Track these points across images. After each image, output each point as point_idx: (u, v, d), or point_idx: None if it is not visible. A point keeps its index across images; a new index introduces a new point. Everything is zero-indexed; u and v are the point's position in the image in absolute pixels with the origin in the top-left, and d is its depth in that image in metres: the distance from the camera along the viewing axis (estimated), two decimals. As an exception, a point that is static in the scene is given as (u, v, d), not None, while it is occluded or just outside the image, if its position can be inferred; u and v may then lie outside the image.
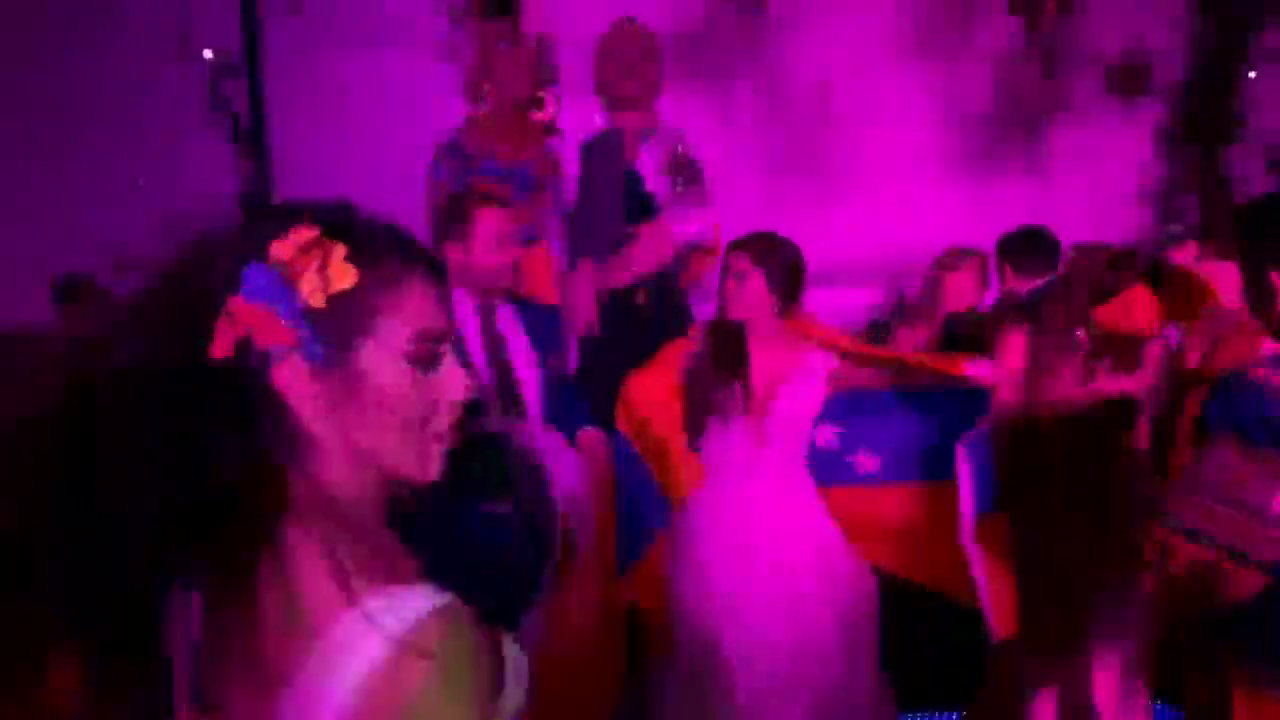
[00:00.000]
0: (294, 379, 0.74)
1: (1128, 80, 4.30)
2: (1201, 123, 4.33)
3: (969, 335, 2.95)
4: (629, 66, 3.36)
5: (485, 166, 3.25)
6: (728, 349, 2.42)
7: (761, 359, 2.42)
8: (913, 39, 4.27)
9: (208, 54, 4.21)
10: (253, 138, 4.26)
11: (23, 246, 4.11)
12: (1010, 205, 3.60)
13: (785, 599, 2.29)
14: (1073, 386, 2.13)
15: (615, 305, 3.17)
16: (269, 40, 4.25)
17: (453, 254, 2.41)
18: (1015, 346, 2.37)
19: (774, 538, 2.34)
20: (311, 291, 0.75)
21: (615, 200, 3.32)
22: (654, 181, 3.31)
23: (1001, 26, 4.28)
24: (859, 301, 4.12)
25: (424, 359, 0.78)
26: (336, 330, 0.75)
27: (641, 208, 3.30)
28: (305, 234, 0.75)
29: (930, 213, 3.94)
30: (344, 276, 0.75)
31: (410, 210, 3.41)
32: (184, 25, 4.11)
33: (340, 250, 0.76)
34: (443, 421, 0.80)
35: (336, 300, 0.74)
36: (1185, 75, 4.37)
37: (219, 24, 4.21)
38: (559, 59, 3.56)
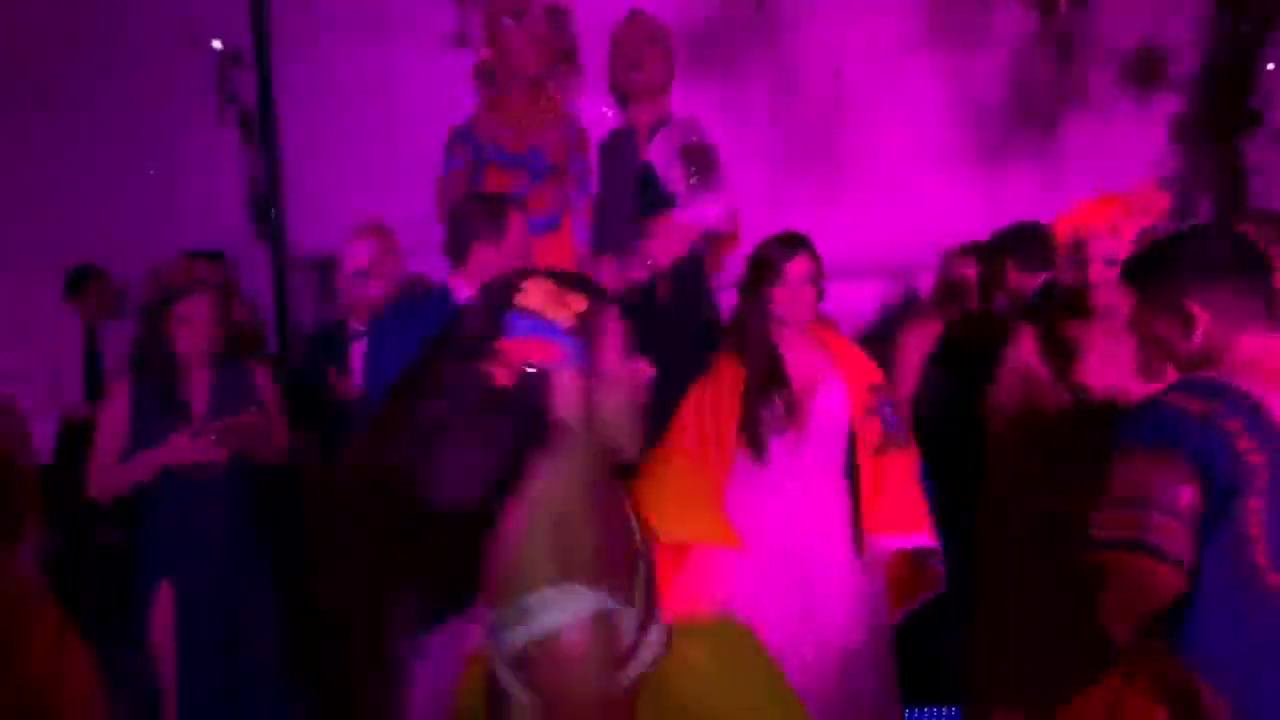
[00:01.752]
0: (567, 382, 1.08)
1: (1144, 72, 4.24)
2: (1219, 116, 4.27)
3: (979, 334, 2.92)
4: (638, 59, 3.33)
5: (495, 153, 3.22)
6: (772, 362, 2.38)
7: (801, 363, 2.41)
8: (925, 30, 4.22)
9: (216, 44, 4.20)
10: (261, 128, 4.26)
11: (32, 237, 4.12)
12: (1023, 198, 3.57)
13: (813, 603, 2.29)
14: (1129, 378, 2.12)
15: (636, 300, 3.15)
16: (278, 30, 4.24)
17: (484, 252, 2.41)
18: (1027, 345, 2.35)
19: (808, 539, 2.32)
20: (565, 319, 1.09)
21: (630, 196, 3.30)
22: (667, 172, 3.28)
23: (1016, 17, 4.22)
24: (869, 295, 4.09)
25: (630, 349, 1.14)
26: (585, 339, 1.10)
27: (659, 201, 3.27)
28: (545, 283, 1.11)
29: (942, 206, 3.90)
30: (579, 303, 1.10)
31: (418, 199, 3.40)
32: (192, 15, 4.11)
33: (572, 290, 1.11)
34: (642, 399, 1.14)
35: (580, 320, 1.09)
36: (1202, 67, 4.31)
37: (227, 14, 4.20)
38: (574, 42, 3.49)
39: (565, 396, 1.07)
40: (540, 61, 3.25)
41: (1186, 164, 4.26)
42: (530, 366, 1.06)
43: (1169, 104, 4.29)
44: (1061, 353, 2.25)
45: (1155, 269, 1.57)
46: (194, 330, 2.46)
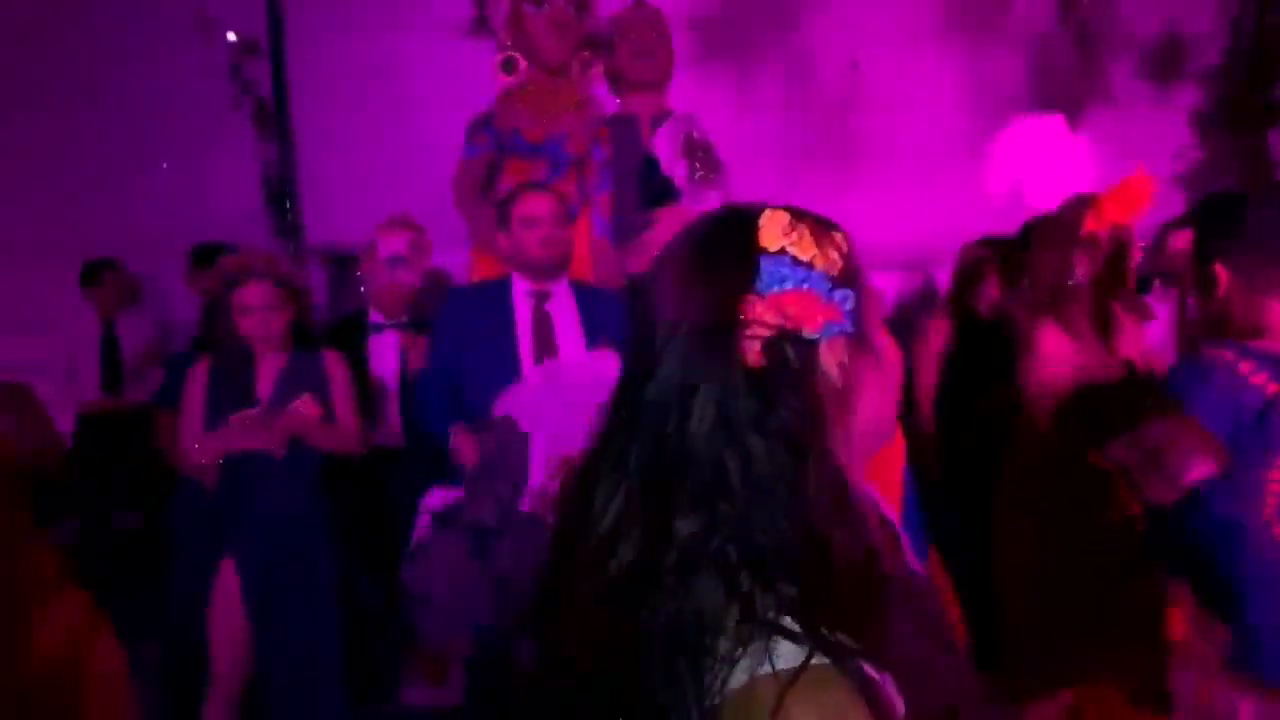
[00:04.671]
0: (834, 353, 0.73)
1: (1165, 63, 4.19)
2: (1240, 108, 4.21)
3: (997, 326, 2.89)
4: (643, 50, 3.30)
5: (514, 143, 3.20)
6: None
7: None
8: (943, 20, 4.18)
9: (231, 36, 4.20)
10: (276, 119, 4.26)
11: (48, 229, 4.14)
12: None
13: None
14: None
15: (636, 292, 3.12)
16: (292, 22, 4.24)
17: (503, 241, 2.49)
18: (1050, 338, 2.32)
19: None
20: (828, 265, 0.74)
21: (633, 186, 3.28)
22: (670, 166, 3.26)
23: (1035, 7, 4.17)
24: (886, 288, 4.06)
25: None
26: (854, 293, 0.75)
27: (662, 192, 3.25)
28: (781, 217, 0.75)
29: (959, 197, 3.86)
30: (837, 244, 0.76)
31: (433, 190, 3.40)
32: (207, 7, 4.11)
33: (807, 222, 0.76)
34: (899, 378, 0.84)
35: (844, 269, 0.75)
36: (1224, 59, 4.25)
37: (242, 5, 4.20)
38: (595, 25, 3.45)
39: (830, 375, 0.73)
40: (562, 49, 3.21)
41: (1208, 157, 4.21)
42: (794, 331, 0.71)
43: (1190, 96, 4.23)
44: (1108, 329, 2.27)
45: (1201, 228, 1.67)
46: (253, 318, 2.50)
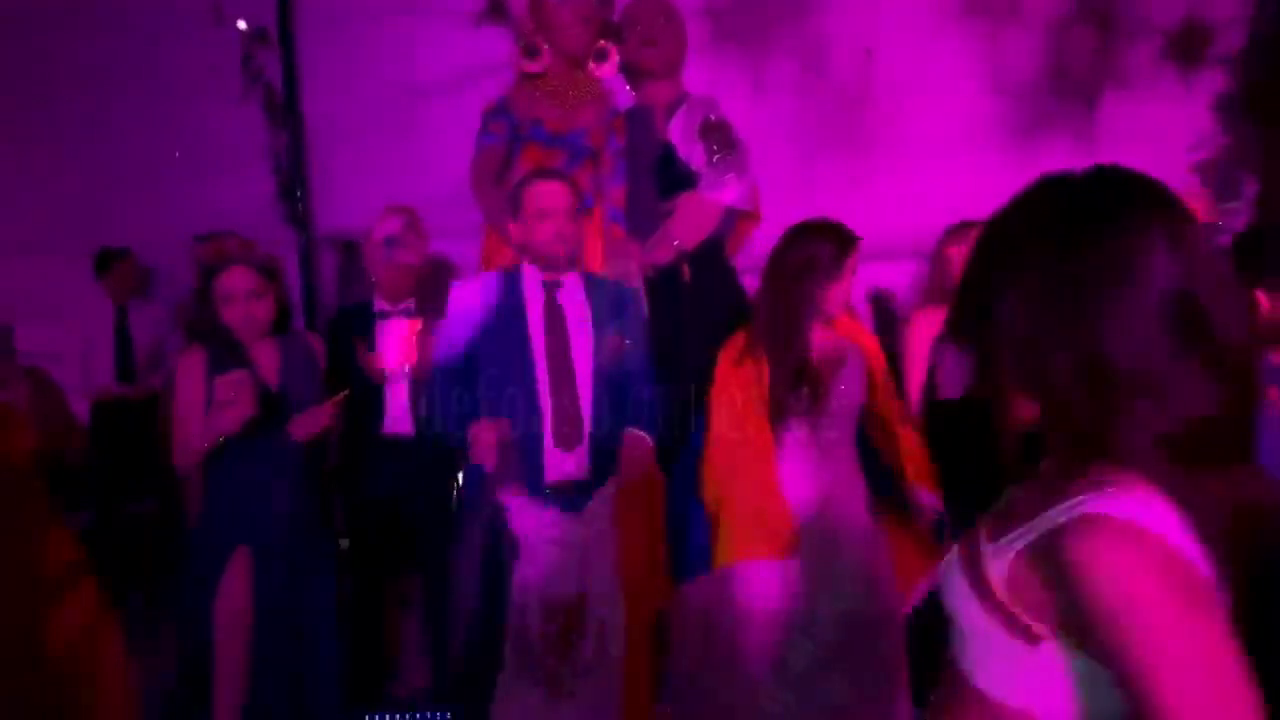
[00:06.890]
0: None
1: (1187, 49, 4.11)
2: (1264, 95, 4.14)
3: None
4: (652, 37, 3.27)
5: (534, 131, 3.18)
6: (804, 357, 2.42)
7: (820, 345, 2.46)
8: (959, 5, 4.12)
9: (241, 24, 4.19)
10: (286, 108, 4.25)
11: (61, 219, 4.15)
12: (1059, 180, 3.47)
13: (833, 573, 2.37)
14: None
15: (661, 282, 3.11)
16: (303, 10, 4.22)
17: (516, 231, 2.50)
18: None
19: (825, 512, 2.38)
20: None
21: (651, 176, 3.25)
22: (688, 151, 3.23)
23: (1053, -9, 4.11)
24: (900, 279, 4.03)
25: None
26: None
27: (680, 181, 3.22)
28: None
29: (975, 187, 3.81)
30: None
31: (443, 180, 3.38)
32: (218, -4, 4.10)
33: None
34: None
35: None
36: (1248, 45, 4.18)
37: (252, -7, 4.18)
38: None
39: None
40: (585, 39, 3.19)
41: (1230, 145, 4.14)
42: None
43: (1212, 83, 4.16)
44: None
45: (1240, 259, 1.89)
46: (236, 306, 2.48)
